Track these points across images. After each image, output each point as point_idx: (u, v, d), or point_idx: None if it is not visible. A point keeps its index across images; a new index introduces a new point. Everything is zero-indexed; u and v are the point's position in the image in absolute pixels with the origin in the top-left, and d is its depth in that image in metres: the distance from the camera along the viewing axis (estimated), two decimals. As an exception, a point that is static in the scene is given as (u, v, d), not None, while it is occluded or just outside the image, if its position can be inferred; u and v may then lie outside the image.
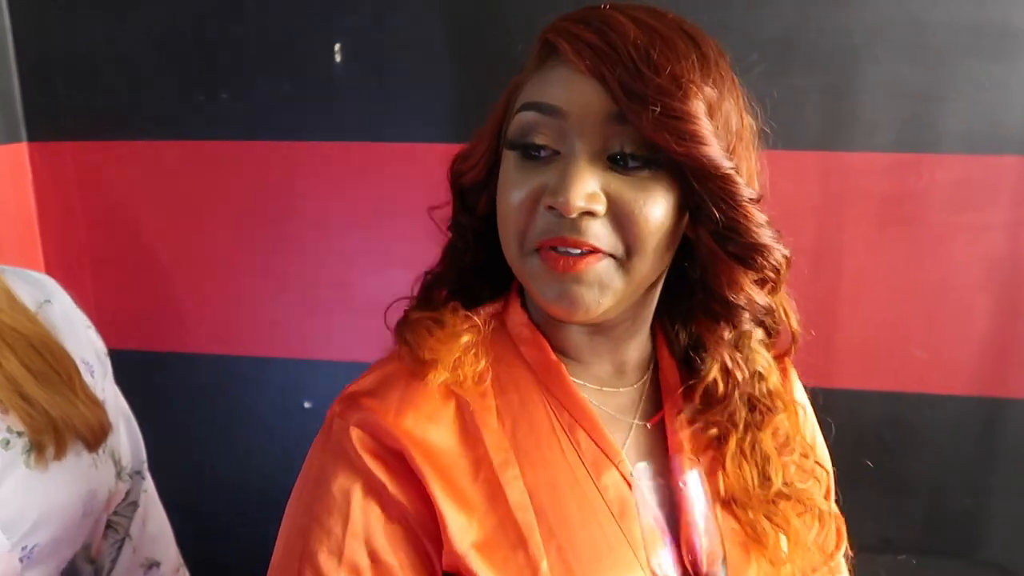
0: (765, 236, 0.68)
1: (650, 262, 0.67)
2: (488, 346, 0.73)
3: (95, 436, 0.82)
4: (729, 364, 0.76)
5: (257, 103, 1.35)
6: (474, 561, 0.65)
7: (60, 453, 0.79)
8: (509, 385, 0.73)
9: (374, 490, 0.67)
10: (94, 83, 1.39)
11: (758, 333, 0.78)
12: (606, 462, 0.72)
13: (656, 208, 0.64)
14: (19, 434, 0.77)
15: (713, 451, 0.77)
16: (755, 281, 0.71)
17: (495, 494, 0.67)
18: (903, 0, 1.17)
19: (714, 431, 0.77)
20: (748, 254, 0.68)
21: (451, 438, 0.69)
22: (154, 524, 0.97)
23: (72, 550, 0.84)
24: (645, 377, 0.79)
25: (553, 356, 0.74)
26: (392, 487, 0.66)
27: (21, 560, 0.76)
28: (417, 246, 1.37)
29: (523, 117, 0.67)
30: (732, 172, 0.65)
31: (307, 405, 1.45)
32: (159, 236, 1.44)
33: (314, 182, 1.37)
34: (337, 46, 1.31)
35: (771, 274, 0.70)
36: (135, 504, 0.93)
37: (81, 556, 0.88)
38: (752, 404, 0.78)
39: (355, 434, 0.68)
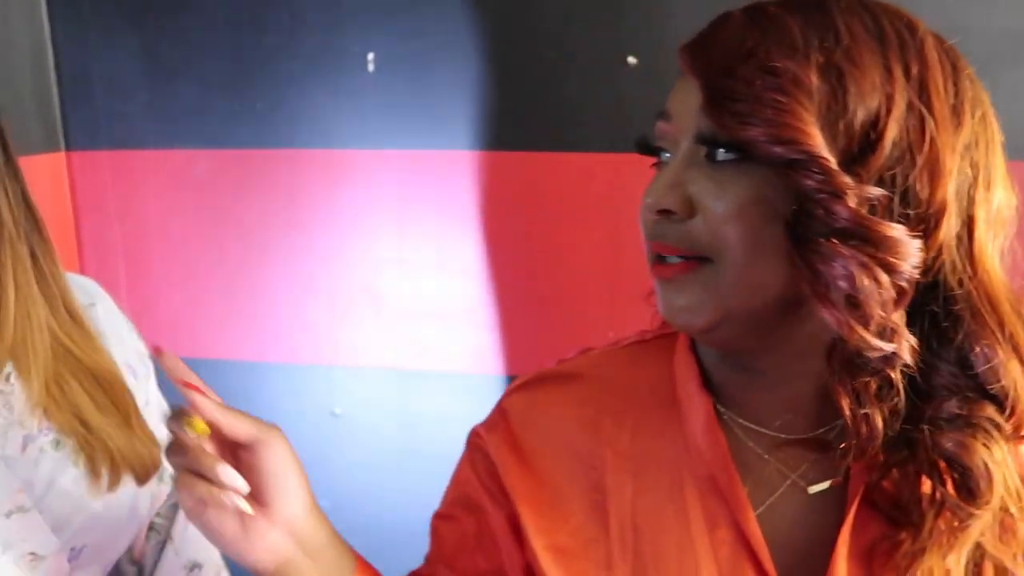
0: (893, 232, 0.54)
1: (739, 267, 0.57)
2: (652, 364, 0.71)
3: (146, 472, 0.83)
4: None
5: (290, 112, 1.37)
6: (545, 562, 0.65)
7: (114, 485, 0.80)
8: (655, 407, 0.68)
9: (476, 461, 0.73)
10: (131, 93, 1.42)
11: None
12: (726, 516, 0.63)
13: (724, 198, 0.57)
14: (67, 436, 0.78)
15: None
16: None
17: (598, 509, 0.66)
18: (942, 6, 1.16)
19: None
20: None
21: (577, 443, 0.68)
22: None
23: (117, 552, 0.85)
24: (834, 425, 0.64)
25: (696, 383, 0.67)
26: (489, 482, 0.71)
27: (69, 561, 0.78)
28: (448, 254, 1.37)
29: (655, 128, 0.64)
30: (816, 159, 0.54)
31: (336, 411, 1.46)
32: (193, 244, 1.46)
33: (346, 190, 1.38)
34: (370, 55, 1.32)
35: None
36: (176, 506, 0.93)
37: (124, 558, 0.89)
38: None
39: (481, 428, 0.74)
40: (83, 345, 0.82)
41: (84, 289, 0.89)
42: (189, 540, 0.94)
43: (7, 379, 0.77)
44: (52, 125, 1.43)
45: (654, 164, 0.64)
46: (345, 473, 1.46)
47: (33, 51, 1.38)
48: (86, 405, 0.79)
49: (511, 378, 1.33)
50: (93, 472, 0.78)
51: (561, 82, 1.27)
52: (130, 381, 0.86)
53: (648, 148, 0.64)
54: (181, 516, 0.93)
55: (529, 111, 1.30)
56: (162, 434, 0.89)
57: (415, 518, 1.44)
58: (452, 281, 1.37)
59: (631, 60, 1.24)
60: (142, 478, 0.83)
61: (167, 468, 0.90)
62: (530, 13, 1.26)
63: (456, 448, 0.76)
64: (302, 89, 1.36)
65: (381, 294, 1.40)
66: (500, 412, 0.73)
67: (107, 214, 1.47)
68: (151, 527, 0.91)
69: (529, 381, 0.74)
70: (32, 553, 0.75)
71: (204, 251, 1.45)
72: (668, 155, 0.62)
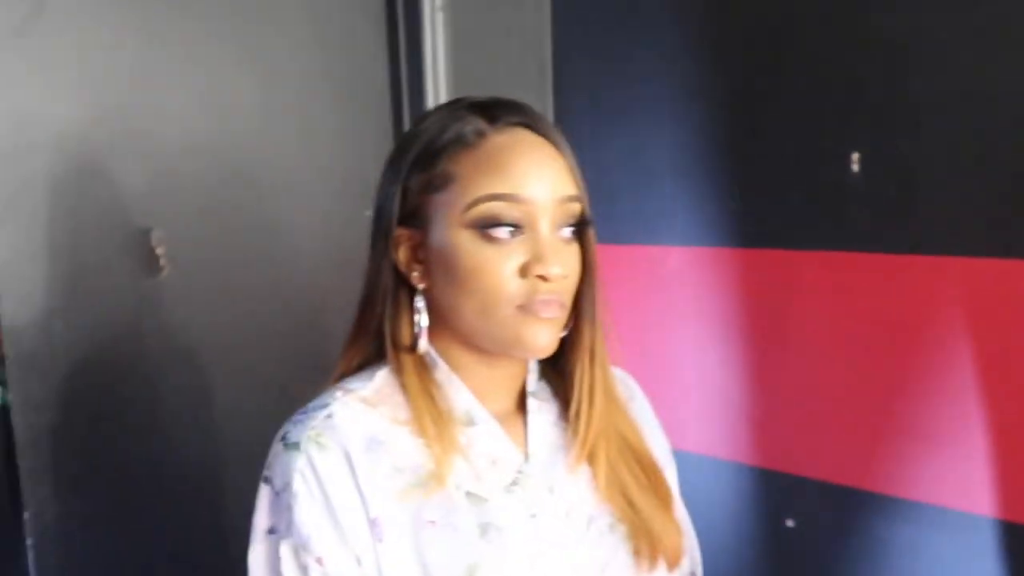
0: None
1: None
2: None
3: (676, 560, 0.86)
4: None
5: (773, 214, 1.39)
6: None
7: (652, 568, 0.84)
8: None
9: None
10: (619, 194, 1.57)
11: None
12: None
13: None
14: (620, 520, 0.84)
15: None
16: None
17: None
18: None
19: None
20: None
21: None
22: None
23: None
24: None
25: None
26: None
27: None
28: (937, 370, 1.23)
29: None
30: None
31: (789, 524, 1.40)
32: (662, 338, 1.54)
33: (827, 293, 1.35)
34: (855, 155, 1.28)
35: None
36: None
37: None
38: None
39: None
40: (629, 431, 0.88)
41: (625, 383, 0.95)
42: None
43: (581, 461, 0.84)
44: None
45: None
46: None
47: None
48: (633, 487, 0.84)
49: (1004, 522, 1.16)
50: (637, 553, 0.83)
51: None
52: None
53: None
54: None
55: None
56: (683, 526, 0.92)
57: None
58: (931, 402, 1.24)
59: None
60: (672, 564, 0.86)
61: (685, 566, 0.93)
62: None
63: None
64: (783, 190, 1.38)
65: (851, 405, 1.32)
66: None
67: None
68: None
69: None
70: None
71: (671, 344, 1.52)
72: None
